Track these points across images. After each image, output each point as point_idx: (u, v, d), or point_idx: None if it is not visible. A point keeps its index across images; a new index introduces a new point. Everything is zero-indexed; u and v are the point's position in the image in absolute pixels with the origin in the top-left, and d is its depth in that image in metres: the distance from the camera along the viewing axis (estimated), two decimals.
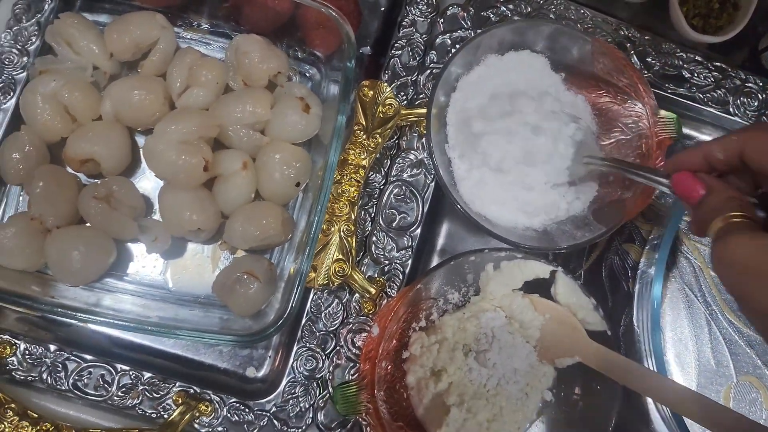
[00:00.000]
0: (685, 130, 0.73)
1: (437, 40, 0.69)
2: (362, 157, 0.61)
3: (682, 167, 0.46)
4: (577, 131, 0.63)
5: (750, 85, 0.72)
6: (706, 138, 0.73)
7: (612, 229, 0.60)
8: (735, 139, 0.43)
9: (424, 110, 0.64)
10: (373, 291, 0.61)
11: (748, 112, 0.71)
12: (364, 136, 0.61)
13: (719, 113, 0.71)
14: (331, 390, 0.62)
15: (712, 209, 0.41)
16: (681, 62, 0.72)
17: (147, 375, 0.61)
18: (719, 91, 0.71)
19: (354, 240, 0.60)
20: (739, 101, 0.71)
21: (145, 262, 0.64)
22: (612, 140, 0.65)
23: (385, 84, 0.63)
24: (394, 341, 0.60)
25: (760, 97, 0.71)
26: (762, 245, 0.36)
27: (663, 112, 0.62)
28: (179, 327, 0.54)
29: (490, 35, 0.64)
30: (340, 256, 0.59)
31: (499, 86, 0.65)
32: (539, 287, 0.62)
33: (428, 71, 0.68)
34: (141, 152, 0.64)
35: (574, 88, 0.66)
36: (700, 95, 0.71)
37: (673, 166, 0.48)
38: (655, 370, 0.62)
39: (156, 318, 0.59)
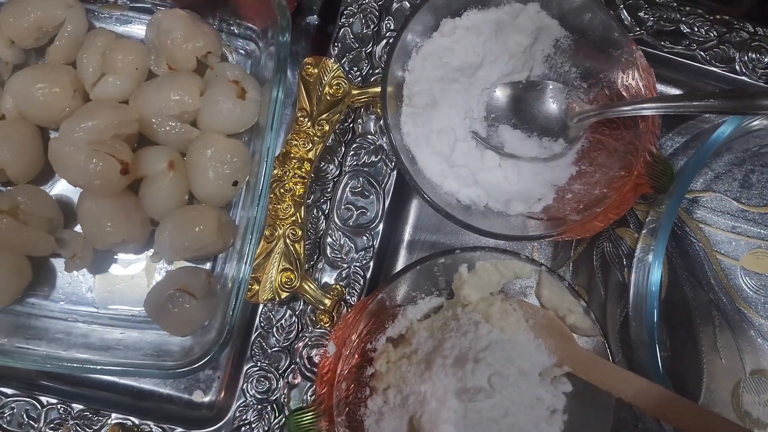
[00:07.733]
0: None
1: (394, 3, 0.59)
2: (307, 148, 0.52)
3: None
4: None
5: (759, 38, 0.62)
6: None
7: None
8: None
9: (378, 89, 0.55)
10: (327, 303, 0.53)
11: (757, 69, 0.62)
12: (309, 124, 0.52)
13: (724, 73, 0.62)
14: (287, 414, 0.54)
15: None
16: (678, 15, 0.62)
17: (78, 408, 0.54)
18: (723, 47, 0.62)
19: (302, 246, 0.52)
20: (746, 58, 0.62)
21: (70, 278, 0.56)
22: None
23: (332, 60, 0.53)
24: (356, 357, 0.53)
25: None
26: None
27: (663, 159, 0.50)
28: (94, 362, 0.46)
29: None
30: (287, 265, 0.51)
31: (472, 54, 0.55)
32: (521, 289, 0.54)
33: (384, 41, 0.58)
34: None
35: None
36: (702, 53, 0.61)
37: None
38: (654, 367, 0.55)
39: (80, 344, 0.52)
